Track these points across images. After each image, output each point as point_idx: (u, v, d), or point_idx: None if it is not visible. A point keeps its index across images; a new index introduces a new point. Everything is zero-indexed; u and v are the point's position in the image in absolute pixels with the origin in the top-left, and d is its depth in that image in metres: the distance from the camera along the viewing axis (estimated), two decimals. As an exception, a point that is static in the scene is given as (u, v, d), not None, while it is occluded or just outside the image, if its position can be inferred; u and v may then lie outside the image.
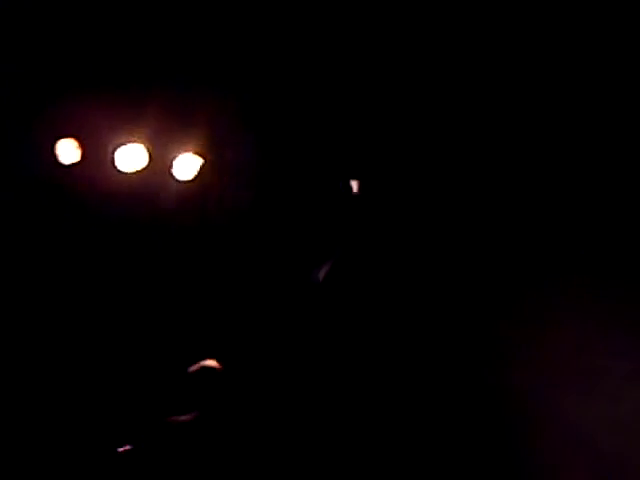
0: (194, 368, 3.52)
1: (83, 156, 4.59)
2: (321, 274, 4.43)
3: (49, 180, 4.63)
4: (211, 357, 3.54)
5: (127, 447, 3.95)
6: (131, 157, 4.64)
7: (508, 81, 4.56)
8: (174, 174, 4.72)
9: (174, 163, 4.70)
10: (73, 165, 4.59)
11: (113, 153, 4.61)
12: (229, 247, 4.79)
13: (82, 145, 4.59)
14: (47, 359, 4.52)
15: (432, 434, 4.12)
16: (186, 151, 4.69)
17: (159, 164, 4.69)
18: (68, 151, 4.59)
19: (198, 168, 4.71)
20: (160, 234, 4.80)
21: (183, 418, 3.53)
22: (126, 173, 4.65)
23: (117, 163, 4.63)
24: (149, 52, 4.53)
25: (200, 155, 4.70)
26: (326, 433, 3.94)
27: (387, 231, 4.68)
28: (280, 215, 4.81)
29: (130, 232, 4.77)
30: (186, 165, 4.72)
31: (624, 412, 3.98)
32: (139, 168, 4.66)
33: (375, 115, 4.69)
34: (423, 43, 4.49)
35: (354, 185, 4.78)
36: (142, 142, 4.61)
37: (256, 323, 4.62)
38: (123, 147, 4.61)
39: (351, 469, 3.84)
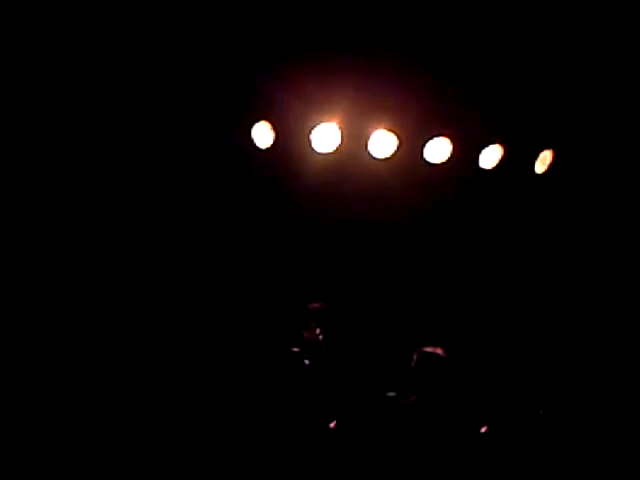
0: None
1: (279, 139, 4.52)
2: None
3: (247, 164, 4.60)
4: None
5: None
6: (326, 137, 4.52)
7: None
8: (370, 152, 4.57)
9: (369, 141, 4.54)
10: (269, 148, 4.54)
11: (308, 134, 4.50)
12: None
13: (277, 128, 4.50)
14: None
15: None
16: (380, 128, 4.51)
17: (354, 143, 4.55)
18: (264, 135, 4.52)
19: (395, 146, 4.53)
20: (359, 215, 4.73)
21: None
22: (322, 153, 4.56)
23: (313, 144, 4.52)
24: (338, 31, 4.29)
25: (394, 132, 4.50)
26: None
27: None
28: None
29: (327, 214, 4.72)
30: (382, 143, 4.55)
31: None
32: (334, 148, 4.55)
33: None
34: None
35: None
36: (336, 121, 4.47)
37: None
38: (318, 127, 4.49)
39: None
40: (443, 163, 4.60)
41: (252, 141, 4.51)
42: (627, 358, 4.58)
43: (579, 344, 4.65)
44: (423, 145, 4.57)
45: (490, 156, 4.62)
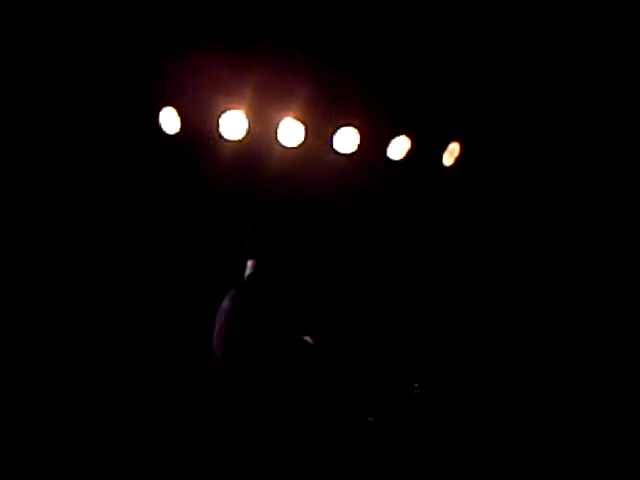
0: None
1: (186, 125, 4.50)
2: None
3: (154, 150, 4.57)
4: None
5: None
6: (234, 124, 4.50)
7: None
8: (279, 140, 4.57)
9: (278, 129, 4.54)
10: (176, 134, 4.51)
11: (216, 121, 4.48)
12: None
13: (184, 114, 4.48)
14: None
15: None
16: (289, 116, 4.50)
17: (262, 130, 4.54)
18: (170, 120, 4.49)
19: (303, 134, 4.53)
20: (266, 203, 4.71)
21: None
22: (231, 140, 4.54)
23: (221, 131, 4.51)
24: (248, 16, 4.27)
25: (302, 121, 4.50)
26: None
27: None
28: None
29: (236, 201, 4.70)
30: (290, 131, 4.55)
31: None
32: (242, 135, 4.54)
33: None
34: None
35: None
36: (243, 109, 4.45)
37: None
38: (225, 115, 4.47)
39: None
40: (352, 153, 4.61)
41: (159, 127, 4.50)
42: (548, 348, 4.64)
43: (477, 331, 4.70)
44: (331, 135, 4.58)
45: (398, 147, 4.63)
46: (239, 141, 4.54)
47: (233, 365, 3.43)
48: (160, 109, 4.46)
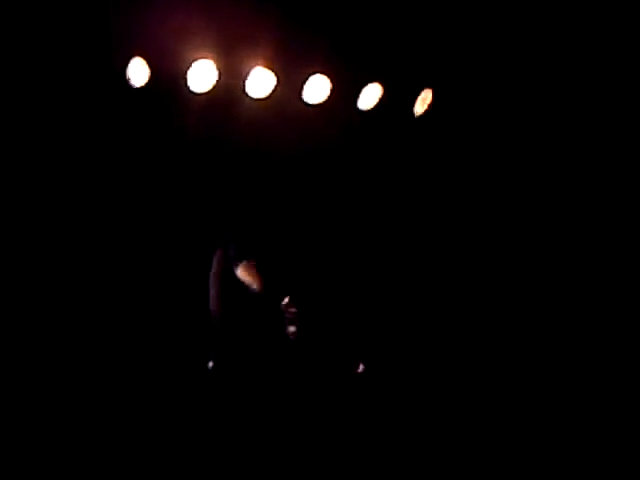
0: None
1: (154, 76, 4.41)
2: None
3: (123, 103, 4.49)
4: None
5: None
6: (202, 75, 4.43)
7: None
8: (248, 91, 4.50)
9: (248, 79, 4.47)
10: (144, 86, 4.43)
11: (184, 72, 4.41)
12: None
13: (152, 65, 4.39)
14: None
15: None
16: (258, 66, 4.44)
17: (232, 81, 4.47)
18: (138, 72, 4.41)
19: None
20: (234, 154, 4.66)
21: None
22: (199, 92, 4.47)
23: (189, 82, 4.44)
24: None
25: (272, 70, 4.43)
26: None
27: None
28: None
29: (204, 153, 4.64)
30: (260, 81, 4.49)
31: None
32: (212, 86, 4.47)
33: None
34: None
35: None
36: (212, 58, 4.38)
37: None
38: (193, 65, 4.40)
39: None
40: (322, 103, 4.57)
41: (127, 79, 4.41)
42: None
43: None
44: (302, 84, 4.53)
45: (370, 95, 4.60)
46: (208, 92, 4.47)
47: (225, 318, 3.52)
48: (128, 60, 4.38)
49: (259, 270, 3.53)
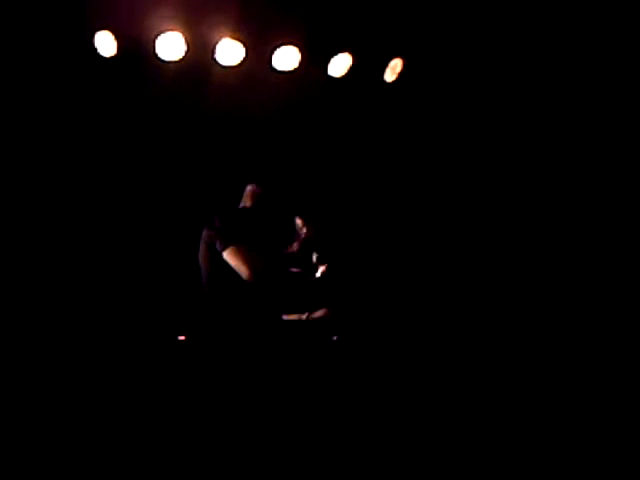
0: None
1: (122, 47, 4.40)
2: None
3: (91, 74, 4.49)
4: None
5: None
6: (171, 45, 4.41)
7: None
8: (218, 60, 4.49)
9: (217, 48, 4.45)
10: (113, 57, 4.43)
11: (154, 42, 4.39)
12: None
13: (119, 36, 4.38)
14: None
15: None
16: (226, 36, 4.41)
17: (201, 50, 4.45)
18: (106, 43, 4.39)
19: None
20: (207, 123, 4.69)
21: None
22: (168, 61, 4.46)
23: (159, 52, 4.42)
24: None
25: (240, 40, 4.41)
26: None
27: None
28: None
29: (175, 122, 4.67)
30: (229, 51, 4.46)
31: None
32: (181, 55, 4.45)
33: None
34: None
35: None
36: (181, 30, 4.35)
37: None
38: (162, 35, 4.37)
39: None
40: (292, 70, 4.55)
41: (95, 49, 4.41)
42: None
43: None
44: (271, 53, 4.51)
45: (340, 64, 4.58)
46: (178, 61, 4.47)
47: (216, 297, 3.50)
48: (95, 32, 4.37)
49: (250, 255, 3.32)
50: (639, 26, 4.28)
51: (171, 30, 4.36)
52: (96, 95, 4.55)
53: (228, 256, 3.32)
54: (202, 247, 3.45)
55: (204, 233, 3.43)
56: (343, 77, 4.60)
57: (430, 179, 4.94)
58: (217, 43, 4.44)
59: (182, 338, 4.22)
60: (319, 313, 3.93)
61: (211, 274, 3.45)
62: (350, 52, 4.53)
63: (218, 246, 3.33)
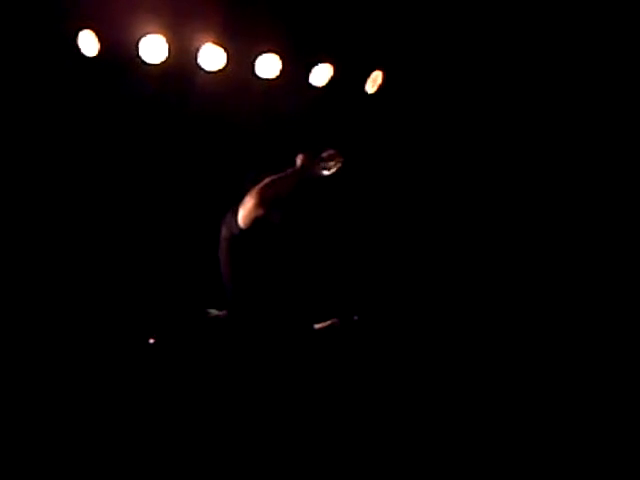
0: None
1: (105, 48, 4.42)
2: None
3: (73, 73, 4.51)
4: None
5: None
6: (154, 48, 4.44)
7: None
8: (200, 65, 4.52)
9: (199, 54, 4.48)
10: (95, 57, 4.45)
11: (137, 44, 4.42)
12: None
13: (103, 37, 4.40)
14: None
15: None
16: (209, 42, 4.44)
17: (183, 55, 4.48)
18: (89, 43, 4.42)
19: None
20: (188, 127, 4.71)
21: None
22: (151, 64, 4.49)
23: (141, 54, 4.45)
24: None
25: (222, 46, 4.44)
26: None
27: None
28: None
29: (156, 125, 4.69)
30: (211, 56, 4.49)
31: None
32: (163, 59, 4.48)
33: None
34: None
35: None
36: (164, 33, 4.39)
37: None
38: (145, 38, 4.40)
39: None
40: (274, 78, 4.58)
41: (78, 49, 4.43)
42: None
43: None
44: (253, 60, 4.54)
45: (321, 74, 4.61)
46: (160, 64, 4.49)
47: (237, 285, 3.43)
48: (78, 32, 4.39)
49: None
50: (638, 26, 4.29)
51: (154, 33, 4.40)
52: (78, 95, 4.55)
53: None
54: (223, 245, 3.33)
55: (223, 231, 3.35)
56: (325, 87, 4.64)
57: (412, 188, 4.96)
58: (200, 48, 4.48)
59: (152, 341, 4.21)
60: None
61: (234, 273, 3.35)
62: (331, 63, 4.56)
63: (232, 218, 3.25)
